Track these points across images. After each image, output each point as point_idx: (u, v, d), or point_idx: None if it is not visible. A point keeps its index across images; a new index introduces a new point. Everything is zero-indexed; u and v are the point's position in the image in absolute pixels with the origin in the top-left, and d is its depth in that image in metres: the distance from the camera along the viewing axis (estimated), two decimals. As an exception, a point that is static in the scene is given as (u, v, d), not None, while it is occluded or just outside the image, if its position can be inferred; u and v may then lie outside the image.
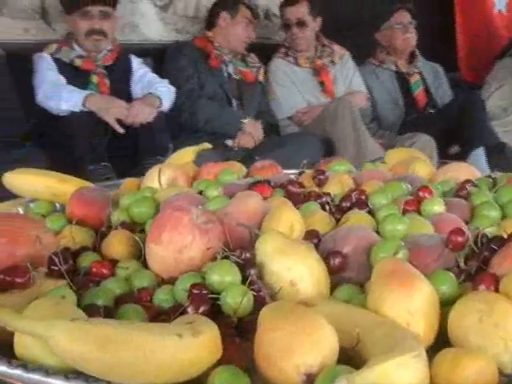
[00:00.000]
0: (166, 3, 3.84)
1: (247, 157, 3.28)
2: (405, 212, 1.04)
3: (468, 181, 1.19)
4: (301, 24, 3.74)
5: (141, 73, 3.27)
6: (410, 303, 0.70)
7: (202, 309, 0.75)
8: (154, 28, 3.82)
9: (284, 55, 3.84)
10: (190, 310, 0.75)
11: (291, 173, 1.47)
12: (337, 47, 3.94)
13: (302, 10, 3.74)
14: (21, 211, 1.28)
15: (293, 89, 3.78)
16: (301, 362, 0.61)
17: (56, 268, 0.83)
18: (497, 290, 0.74)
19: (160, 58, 3.56)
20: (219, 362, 0.66)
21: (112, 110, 2.90)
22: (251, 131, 3.37)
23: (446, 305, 0.74)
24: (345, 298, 0.79)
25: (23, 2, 3.38)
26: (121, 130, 2.91)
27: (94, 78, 3.07)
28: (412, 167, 1.32)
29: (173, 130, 3.28)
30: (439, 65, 4.27)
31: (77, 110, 2.87)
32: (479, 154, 3.63)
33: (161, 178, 1.29)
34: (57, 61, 3.04)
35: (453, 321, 0.70)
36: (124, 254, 0.96)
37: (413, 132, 3.69)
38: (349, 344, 0.67)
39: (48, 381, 0.59)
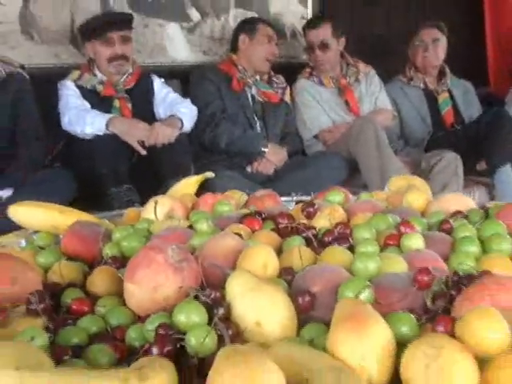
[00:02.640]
0: (192, 26, 3.91)
1: (268, 180, 3.32)
2: (386, 246, 1.05)
3: (458, 212, 1.20)
4: (324, 46, 3.75)
5: (163, 93, 3.34)
6: (363, 347, 0.72)
7: (166, 349, 0.77)
8: (181, 50, 3.90)
9: (309, 75, 3.86)
10: (154, 350, 0.77)
11: (289, 200, 1.48)
12: (362, 65, 3.94)
13: (325, 33, 3.75)
14: (23, 242, 1.33)
15: (318, 108, 3.80)
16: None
17: (33, 307, 0.87)
18: (454, 333, 0.75)
19: (187, 78, 3.62)
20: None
21: (134, 132, 2.96)
22: (271, 159, 3.39)
23: (405, 345, 0.75)
24: (310, 338, 0.81)
25: (54, 27, 3.49)
26: (143, 152, 2.97)
27: (116, 103, 3.14)
28: (406, 197, 1.33)
29: (195, 150, 3.33)
30: (470, 82, 4.24)
31: (101, 133, 2.94)
32: (506, 171, 3.59)
33: (157, 209, 1.32)
34: (80, 87, 3.12)
35: (403, 364, 0.72)
36: (106, 290, 1.00)
37: (439, 149, 3.67)
38: (301, 386, 0.69)
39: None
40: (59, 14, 3.52)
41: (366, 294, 0.82)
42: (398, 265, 0.95)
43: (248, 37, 3.57)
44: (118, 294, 0.98)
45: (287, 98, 3.76)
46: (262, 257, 0.94)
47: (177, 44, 3.89)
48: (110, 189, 2.86)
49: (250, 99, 3.58)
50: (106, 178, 2.90)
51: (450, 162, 3.53)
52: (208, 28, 3.97)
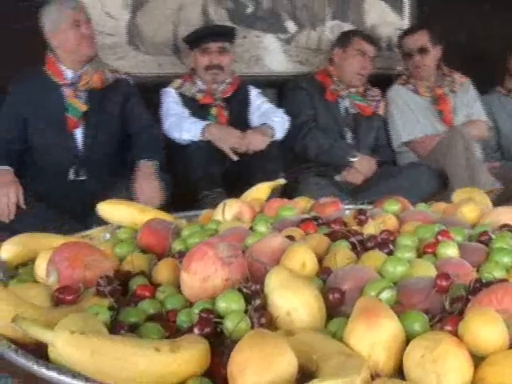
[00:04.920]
0: (289, 37, 4.04)
1: (356, 189, 3.39)
2: (424, 253, 1.13)
3: (505, 225, 1.26)
4: (423, 51, 3.78)
5: (258, 103, 3.48)
6: (371, 337, 0.81)
7: (206, 330, 0.90)
8: (277, 60, 4.03)
9: (405, 82, 3.88)
10: (196, 330, 0.90)
11: (351, 208, 1.58)
12: (457, 76, 3.92)
13: (423, 38, 3.78)
14: (108, 235, 1.51)
15: (411, 115, 3.81)
16: (252, 381, 0.74)
17: (101, 289, 1.02)
18: (459, 332, 0.83)
19: (283, 88, 3.76)
20: (207, 375, 0.82)
21: (227, 139, 3.13)
22: (360, 169, 3.46)
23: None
24: (334, 330, 0.91)
25: (158, 39, 3.73)
26: (235, 158, 3.13)
27: (214, 110, 3.32)
28: (460, 209, 1.40)
29: (286, 159, 3.45)
30: None
31: (196, 139, 3.13)
32: None
33: (226, 211, 1.46)
34: (181, 95, 3.33)
35: (405, 354, 0.81)
36: (168, 279, 1.14)
37: (537, 163, 3.62)
38: (312, 368, 0.79)
39: (61, 378, 0.77)
40: (163, 27, 3.75)
41: (387, 294, 0.92)
42: (426, 270, 1.03)
43: (342, 49, 3.65)
44: (178, 284, 1.12)
45: (381, 111, 3.81)
46: (301, 257, 1.05)
47: (273, 55, 4.02)
48: (203, 192, 3.01)
49: (342, 110, 3.66)
50: (201, 182, 3.06)
51: (545, 176, 3.47)
52: (304, 39, 4.08)
